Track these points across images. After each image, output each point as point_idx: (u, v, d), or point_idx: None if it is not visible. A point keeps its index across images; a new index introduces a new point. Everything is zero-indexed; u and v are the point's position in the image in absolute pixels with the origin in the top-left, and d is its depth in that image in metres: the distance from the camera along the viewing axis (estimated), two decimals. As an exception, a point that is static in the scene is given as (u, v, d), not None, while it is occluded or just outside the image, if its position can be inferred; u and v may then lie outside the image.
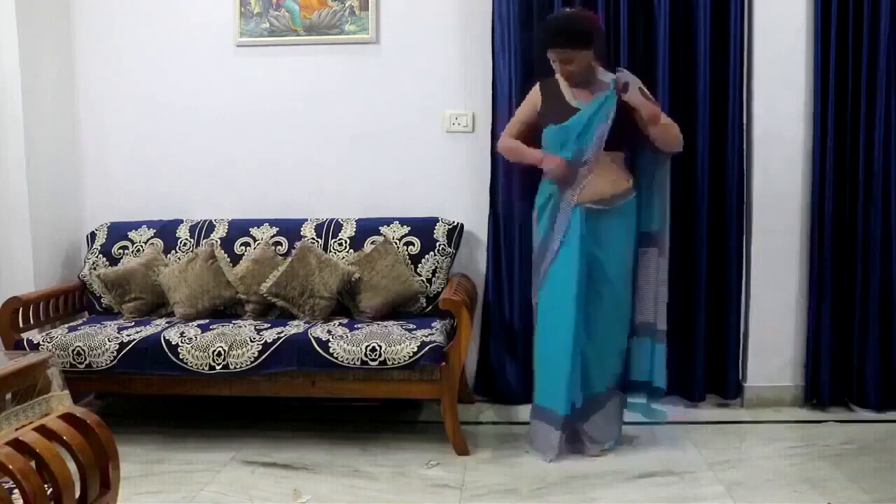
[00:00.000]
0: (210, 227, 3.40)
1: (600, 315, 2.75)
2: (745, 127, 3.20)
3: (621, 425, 2.88)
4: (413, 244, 3.24)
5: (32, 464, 1.45)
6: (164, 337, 2.84)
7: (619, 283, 2.77)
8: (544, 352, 2.79)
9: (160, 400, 3.38)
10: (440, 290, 3.16)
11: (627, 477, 2.59)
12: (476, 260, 3.46)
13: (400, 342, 2.73)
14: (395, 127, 3.45)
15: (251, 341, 2.79)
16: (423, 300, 3.19)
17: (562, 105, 2.77)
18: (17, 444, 1.45)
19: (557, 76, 2.79)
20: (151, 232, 3.42)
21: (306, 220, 3.39)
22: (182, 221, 3.46)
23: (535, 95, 2.86)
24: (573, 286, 2.68)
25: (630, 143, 2.77)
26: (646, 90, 2.70)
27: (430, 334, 2.80)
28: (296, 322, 3.01)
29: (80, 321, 3.18)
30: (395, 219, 3.32)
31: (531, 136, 2.86)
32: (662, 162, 2.78)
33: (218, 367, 2.77)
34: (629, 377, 2.87)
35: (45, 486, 1.45)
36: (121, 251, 3.38)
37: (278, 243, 3.30)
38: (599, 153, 2.67)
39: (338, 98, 3.48)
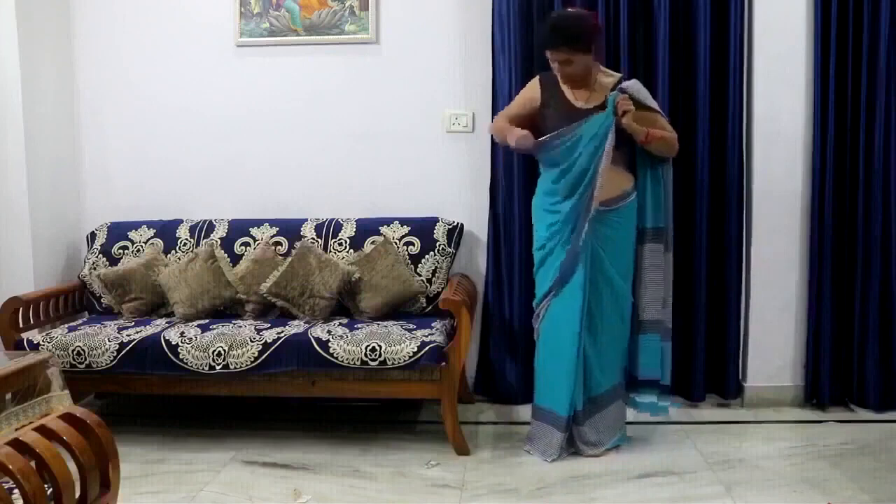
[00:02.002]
0: (210, 227, 3.40)
1: (603, 316, 2.75)
2: (745, 127, 3.20)
3: (624, 423, 2.88)
4: (413, 244, 3.24)
5: (32, 464, 1.45)
6: (164, 337, 2.84)
7: (620, 283, 2.76)
8: (547, 353, 2.79)
9: (160, 400, 3.38)
10: (440, 290, 3.16)
11: (627, 477, 2.59)
12: (476, 260, 3.46)
13: (400, 342, 2.73)
14: (395, 127, 3.45)
15: (251, 341, 2.79)
16: (423, 300, 3.19)
17: (562, 102, 2.76)
18: (17, 444, 1.45)
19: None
20: (151, 232, 3.42)
21: (306, 220, 3.39)
22: (182, 221, 3.46)
23: (533, 88, 2.83)
24: (578, 288, 2.68)
25: (630, 142, 2.76)
26: (651, 100, 2.72)
27: (430, 334, 2.80)
28: (296, 322, 3.01)
29: (80, 321, 3.18)
30: (395, 219, 3.33)
31: (523, 126, 2.81)
32: (665, 160, 2.79)
33: (218, 367, 2.77)
34: (637, 375, 2.86)
35: (45, 486, 1.45)
36: (121, 251, 3.38)
37: (278, 243, 3.30)
38: (608, 166, 2.64)
39: (338, 98, 3.48)
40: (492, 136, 3.11)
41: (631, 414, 2.94)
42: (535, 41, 2.79)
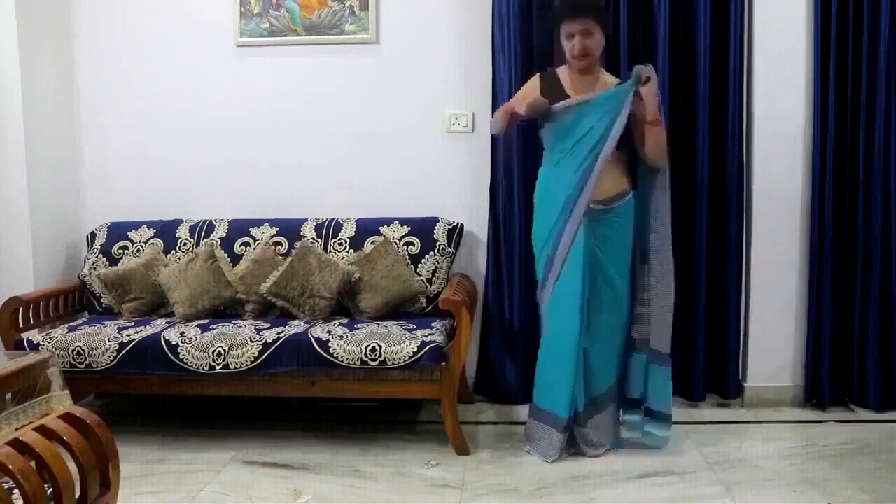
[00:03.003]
0: (210, 227, 3.40)
1: (602, 315, 2.74)
2: (745, 127, 3.20)
3: (619, 426, 2.88)
4: (413, 244, 3.24)
5: (32, 464, 1.45)
6: (164, 337, 2.84)
7: (619, 282, 2.76)
8: (548, 353, 2.79)
9: (160, 400, 3.38)
10: (440, 290, 3.16)
11: (627, 477, 2.59)
12: (476, 260, 3.46)
13: (400, 342, 2.73)
14: (395, 127, 3.46)
15: (251, 341, 2.79)
16: (423, 300, 3.19)
17: (561, 97, 2.72)
18: (17, 444, 1.45)
19: (563, 71, 2.78)
20: (151, 232, 3.42)
21: (306, 220, 3.39)
22: (182, 221, 3.46)
23: (534, 83, 2.81)
24: (577, 288, 2.67)
25: (630, 147, 2.75)
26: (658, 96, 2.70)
27: (430, 334, 2.80)
28: (296, 322, 3.01)
29: (80, 321, 3.18)
30: (395, 219, 3.33)
31: (524, 122, 2.82)
32: (661, 184, 2.73)
33: (218, 367, 2.77)
34: (626, 394, 2.85)
35: (45, 486, 1.45)
36: (121, 251, 3.38)
37: (278, 243, 3.30)
38: (612, 150, 2.61)
39: (338, 98, 3.48)
40: (493, 132, 3.03)
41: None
42: (552, 14, 2.73)
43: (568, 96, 2.73)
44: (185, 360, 2.78)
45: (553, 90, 2.76)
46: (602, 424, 2.79)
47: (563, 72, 2.79)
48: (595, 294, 2.72)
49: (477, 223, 3.41)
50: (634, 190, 2.78)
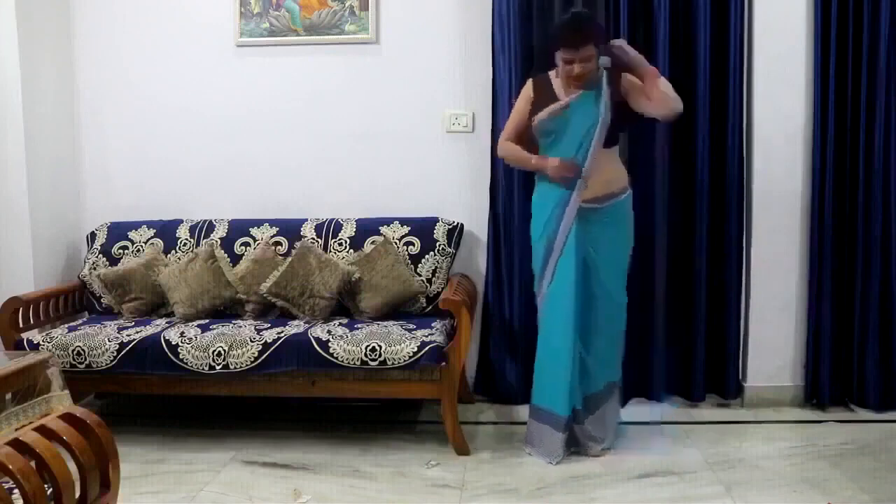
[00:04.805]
0: (210, 227, 3.40)
1: (596, 315, 2.75)
2: (745, 127, 3.20)
3: (617, 424, 2.88)
4: (413, 244, 3.24)
5: (32, 464, 1.45)
6: (164, 337, 2.84)
7: (613, 283, 2.76)
8: (544, 352, 2.79)
9: (160, 400, 3.38)
10: (440, 290, 3.16)
11: (627, 477, 2.59)
12: (476, 260, 3.46)
13: (400, 342, 2.73)
14: (395, 127, 3.46)
15: (251, 341, 2.79)
16: (423, 300, 3.19)
17: (552, 102, 2.72)
18: (17, 444, 1.45)
19: (554, 76, 2.77)
20: (151, 232, 3.42)
21: (306, 220, 3.39)
22: (182, 221, 3.46)
23: (527, 89, 2.82)
24: (571, 286, 2.67)
25: (622, 134, 2.76)
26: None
27: (430, 334, 2.80)
28: (296, 322, 3.01)
29: (80, 321, 3.18)
30: (395, 219, 3.33)
31: (529, 135, 2.81)
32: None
33: (218, 367, 2.77)
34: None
35: (45, 486, 1.45)
36: (121, 251, 3.38)
37: (278, 243, 3.30)
38: (599, 149, 2.63)
39: (338, 98, 3.48)
40: (492, 144, 3.06)
41: (631, 413, 2.94)
42: (552, 37, 2.71)
43: (558, 100, 2.73)
44: (185, 360, 2.78)
45: (545, 92, 2.76)
46: (601, 420, 2.79)
47: (555, 75, 2.78)
48: (588, 295, 2.72)
49: (477, 223, 3.41)
50: (628, 191, 2.78)
